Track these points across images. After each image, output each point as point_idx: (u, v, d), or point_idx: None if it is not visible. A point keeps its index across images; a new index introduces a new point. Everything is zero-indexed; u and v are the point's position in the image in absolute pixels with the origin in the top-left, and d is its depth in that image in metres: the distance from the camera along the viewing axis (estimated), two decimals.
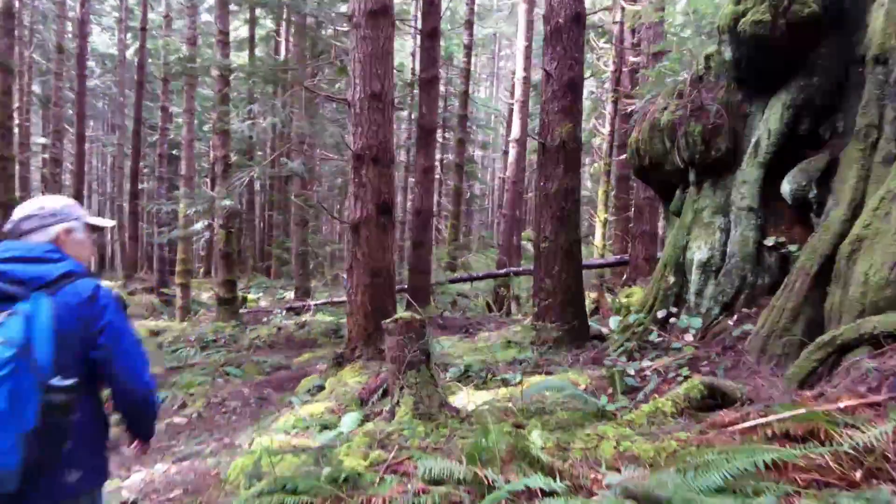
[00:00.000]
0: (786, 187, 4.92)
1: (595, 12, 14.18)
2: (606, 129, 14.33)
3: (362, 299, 7.11)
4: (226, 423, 6.34)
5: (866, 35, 4.57)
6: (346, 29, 12.10)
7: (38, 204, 2.02)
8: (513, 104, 14.95)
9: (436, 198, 16.52)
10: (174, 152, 22.89)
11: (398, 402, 4.36)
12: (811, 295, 4.28)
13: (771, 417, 3.01)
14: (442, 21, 12.15)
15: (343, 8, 13.10)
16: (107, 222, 2.26)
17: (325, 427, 4.81)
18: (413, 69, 16.52)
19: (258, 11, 19.06)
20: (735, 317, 5.01)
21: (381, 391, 5.39)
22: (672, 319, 5.45)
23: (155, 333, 12.12)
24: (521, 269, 13.61)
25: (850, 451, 2.50)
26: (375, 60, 7.15)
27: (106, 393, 1.99)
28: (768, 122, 5.05)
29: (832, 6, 4.61)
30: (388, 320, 4.53)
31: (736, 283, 5.09)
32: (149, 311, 16.44)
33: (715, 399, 3.88)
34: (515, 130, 14.10)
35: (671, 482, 2.38)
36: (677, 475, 2.47)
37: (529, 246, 18.83)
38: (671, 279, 5.61)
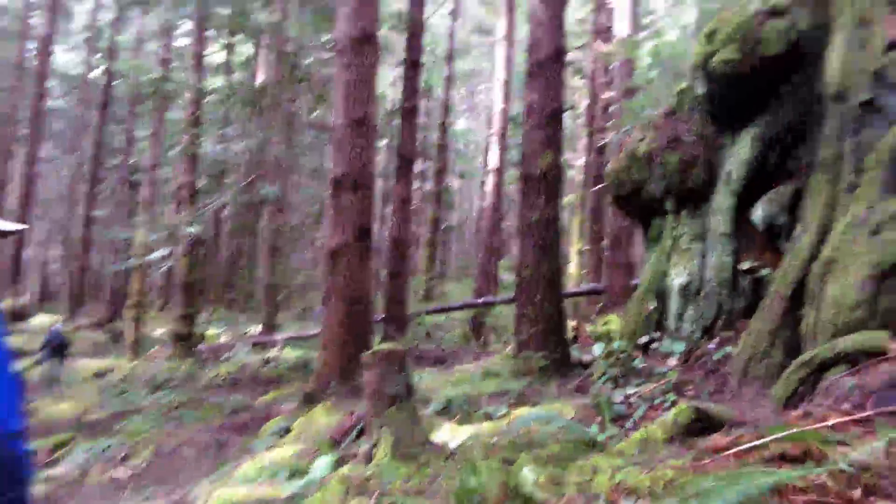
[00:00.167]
0: (757, 215, 5.11)
1: (570, 51, 14.61)
2: (581, 162, 14.66)
3: (338, 329, 6.97)
4: (178, 474, 5.73)
5: (825, 74, 4.83)
6: (327, 56, 12.25)
7: None
8: (491, 135, 15.24)
9: (413, 227, 16.55)
10: (135, 177, 22.23)
11: (377, 441, 4.12)
12: (787, 317, 4.41)
13: (765, 439, 3.05)
14: (424, 54, 12.39)
15: (325, 36, 13.27)
16: (15, 226, 1.93)
17: (294, 473, 4.48)
18: (393, 99, 16.74)
19: (236, 37, 19.10)
20: (715, 340, 5.12)
21: (356, 430, 5.03)
22: (654, 344, 5.53)
23: (100, 374, 11.46)
24: (498, 298, 13.65)
25: (847, 469, 2.55)
26: (359, 87, 7.24)
27: None
28: (739, 154, 5.26)
29: (794, 48, 4.87)
30: (366, 353, 4.39)
31: (714, 308, 5.22)
32: (95, 348, 15.52)
33: (703, 423, 3.91)
34: (493, 161, 14.33)
35: None
36: None
37: (507, 275, 18.93)
38: (652, 305, 5.71)
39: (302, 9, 13.49)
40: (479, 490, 2.87)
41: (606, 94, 13.43)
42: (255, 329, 15.60)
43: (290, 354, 11.58)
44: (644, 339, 5.57)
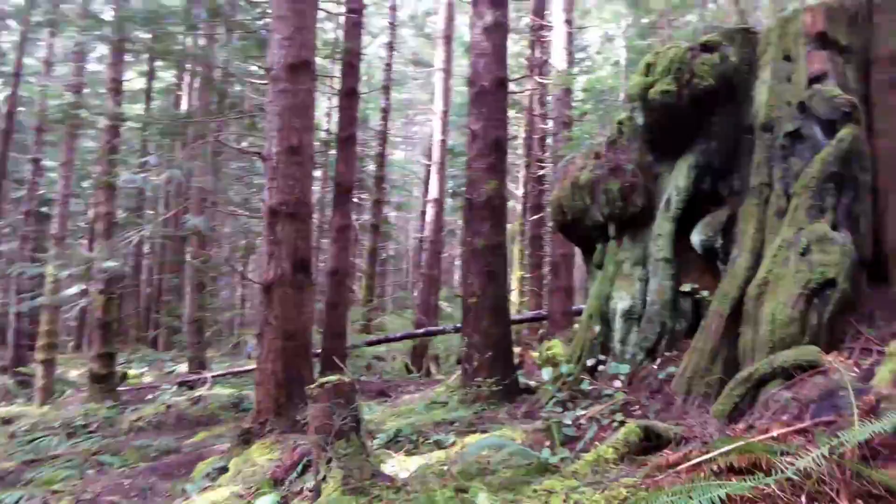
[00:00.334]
0: (695, 239, 5.35)
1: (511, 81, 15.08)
2: (520, 192, 15.01)
3: (274, 366, 6.70)
4: None
5: (753, 106, 5.18)
6: (258, 82, 12.05)
7: None
8: (430, 166, 15.37)
9: (351, 258, 16.34)
10: (44, 210, 20.86)
11: (325, 476, 3.99)
12: (726, 336, 4.60)
13: (713, 453, 3.12)
14: (360, 84, 12.43)
15: (255, 63, 13.07)
16: None
17: None
18: (328, 129, 16.65)
19: (157, 62, 18.53)
20: (658, 361, 5.26)
21: (300, 467, 4.85)
22: (601, 367, 5.62)
23: (6, 420, 10.50)
24: (439, 328, 13.60)
25: (793, 478, 2.64)
26: (294, 114, 7.10)
27: None
28: (677, 181, 5.52)
29: (725, 81, 5.20)
30: (313, 385, 4.25)
31: (657, 329, 5.37)
32: (0, 394, 14.37)
33: (651, 441, 3.99)
34: (433, 191, 14.43)
35: None
36: None
37: (446, 306, 18.92)
38: (597, 328, 5.82)
39: (229, 34, 13.28)
40: None
41: (543, 126, 13.90)
42: (182, 368, 14.80)
43: (221, 392, 10.99)
44: (591, 363, 5.66)
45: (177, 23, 10.93)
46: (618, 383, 5.32)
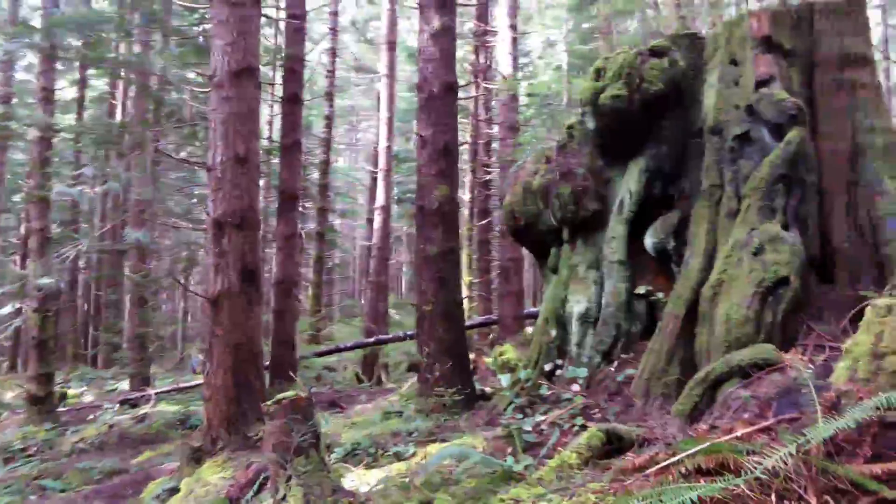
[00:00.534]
0: (648, 241, 5.41)
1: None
2: (467, 197, 15.02)
3: (224, 380, 6.43)
4: None
5: (702, 110, 5.30)
6: (198, 90, 11.60)
7: None
8: (376, 173, 15.17)
9: (297, 267, 15.92)
10: None
11: (284, 495, 3.86)
12: (682, 337, 4.66)
13: (681, 455, 3.10)
14: (303, 91, 12.14)
15: (194, 70, 12.59)
16: None
17: None
18: (269, 137, 16.19)
19: (90, 71, 17.65)
20: (615, 363, 5.28)
21: (256, 485, 4.70)
22: (558, 371, 5.60)
23: None
24: (390, 336, 13.40)
25: (761, 477, 2.65)
26: (240, 121, 6.85)
27: None
28: (629, 185, 5.58)
29: (674, 85, 5.30)
30: (269, 402, 4.11)
31: (613, 332, 5.40)
32: None
33: (614, 444, 3.97)
34: (380, 198, 14.24)
35: None
36: None
37: (394, 313, 18.72)
38: (553, 333, 5.81)
39: (166, 41, 12.76)
40: None
41: (488, 131, 13.96)
42: (123, 385, 14.12)
43: (167, 409, 10.54)
44: (548, 367, 5.63)
45: (110, 29, 10.38)
46: (576, 387, 5.31)
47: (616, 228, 5.54)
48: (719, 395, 3.99)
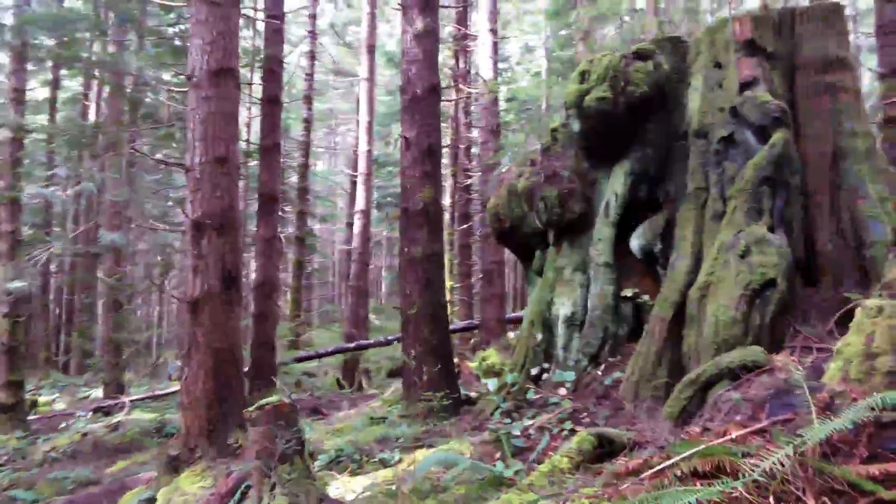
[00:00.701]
0: (634, 243, 5.41)
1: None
2: (447, 202, 14.97)
3: (204, 386, 6.26)
4: None
5: (685, 113, 5.33)
6: (175, 90, 11.38)
7: None
8: (356, 177, 15.04)
9: (277, 271, 15.70)
10: None
11: None
12: (670, 339, 4.65)
13: (675, 459, 3.07)
14: (282, 93, 11.98)
15: (170, 70, 12.35)
16: None
17: None
18: (248, 139, 15.96)
19: (63, 71, 17.24)
20: (603, 366, 5.26)
21: (237, 495, 4.59)
22: (545, 375, 5.56)
23: None
24: (371, 341, 13.25)
25: (759, 479, 2.62)
26: (219, 121, 6.71)
27: None
28: (614, 187, 5.58)
29: (658, 88, 5.32)
30: (251, 408, 4.01)
31: (600, 335, 5.38)
32: None
33: (604, 447, 3.94)
34: (360, 202, 14.12)
35: None
36: None
37: (374, 318, 18.56)
38: (539, 336, 5.77)
39: (141, 41, 12.51)
40: None
41: (468, 135, 13.94)
42: (97, 393, 13.75)
43: (142, 417, 10.27)
44: (535, 371, 5.59)
45: (84, 28, 10.11)
46: (563, 391, 5.28)
47: (602, 231, 5.53)
48: (709, 398, 3.98)
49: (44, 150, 15.76)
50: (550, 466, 3.82)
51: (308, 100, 16.78)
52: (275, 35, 11.34)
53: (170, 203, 16.48)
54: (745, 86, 4.70)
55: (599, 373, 5.22)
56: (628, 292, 5.33)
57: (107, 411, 11.40)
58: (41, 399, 13.88)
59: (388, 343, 12.53)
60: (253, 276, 13.27)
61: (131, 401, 11.76)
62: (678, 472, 3.00)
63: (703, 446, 3.06)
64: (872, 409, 2.66)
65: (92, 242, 13.80)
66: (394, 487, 4.42)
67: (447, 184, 15.56)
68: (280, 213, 15.02)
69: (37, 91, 20.16)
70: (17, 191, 10.88)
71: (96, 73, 13.56)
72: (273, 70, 11.32)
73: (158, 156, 14.17)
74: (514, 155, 8.74)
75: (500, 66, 16.55)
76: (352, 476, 4.99)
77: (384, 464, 5.12)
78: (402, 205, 6.91)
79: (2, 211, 11.07)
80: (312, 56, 17.07)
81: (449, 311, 15.27)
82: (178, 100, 11.98)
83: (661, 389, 4.49)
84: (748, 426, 3.22)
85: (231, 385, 6.36)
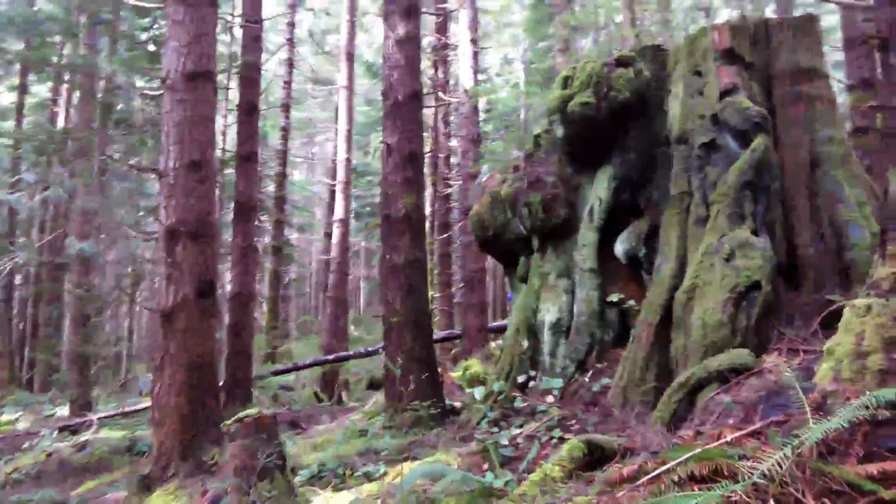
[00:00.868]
0: (619, 248, 5.41)
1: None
2: (427, 210, 14.90)
3: (177, 401, 6.05)
4: None
5: (666, 120, 5.36)
6: (151, 92, 11.15)
7: None
8: (334, 186, 14.90)
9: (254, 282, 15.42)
10: None
11: None
12: (657, 343, 4.64)
13: (672, 464, 3.03)
14: (259, 100, 11.84)
15: (144, 76, 12.11)
16: None
17: None
18: (223, 147, 15.72)
19: (30, 76, 16.83)
20: (590, 373, 5.23)
21: None
22: (532, 383, 5.51)
23: None
24: (351, 353, 13.06)
25: (758, 482, 2.59)
26: (195, 126, 6.57)
27: None
28: (598, 192, 5.58)
29: (639, 95, 5.35)
30: (229, 421, 3.88)
31: (586, 341, 5.35)
32: None
33: (595, 454, 3.88)
34: (339, 211, 13.97)
35: None
36: None
37: (353, 329, 18.34)
38: (525, 343, 5.72)
39: (114, 45, 12.25)
40: None
41: (448, 144, 13.93)
42: (63, 410, 13.25)
43: (111, 435, 9.90)
44: (521, 379, 5.53)
45: (55, 31, 9.84)
46: (551, 398, 5.22)
47: (587, 236, 5.53)
48: (699, 401, 3.96)
49: (10, 156, 15.32)
50: (542, 475, 3.75)
51: (286, 108, 16.64)
52: (253, 42, 11.22)
53: (141, 213, 16.13)
54: (726, 93, 4.76)
55: (587, 379, 5.18)
56: (614, 297, 5.32)
57: (73, 429, 11.01)
58: (3, 418, 13.32)
59: (368, 354, 12.37)
60: (228, 286, 13.00)
61: (99, 418, 11.37)
62: (675, 478, 2.95)
63: (699, 450, 3.02)
64: (867, 407, 2.65)
65: (59, 252, 13.38)
66: (379, 502, 4.31)
67: (427, 193, 15.52)
68: (257, 223, 14.81)
69: (2, 96, 19.67)
70: None
71: (66, 77, 13.24)
72: (251, 77, 11.19)
73: (131, 162, 13.85)
74: (493, 163, 8.74)
75: (480, 77, 16.66)
76: (335, 491, 4.85)
77: (368, 477, 4.98)
78: (384, 211, 6.83)
79: None
80: (290, 64, 16.95)
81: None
82: (151, 105, 11.75)
83: (650, 394, 4.46)
84: (742, 429, 3.20)
85: (206, 399, 6.17)
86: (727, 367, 3.89)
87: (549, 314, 5.62)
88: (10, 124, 17.68)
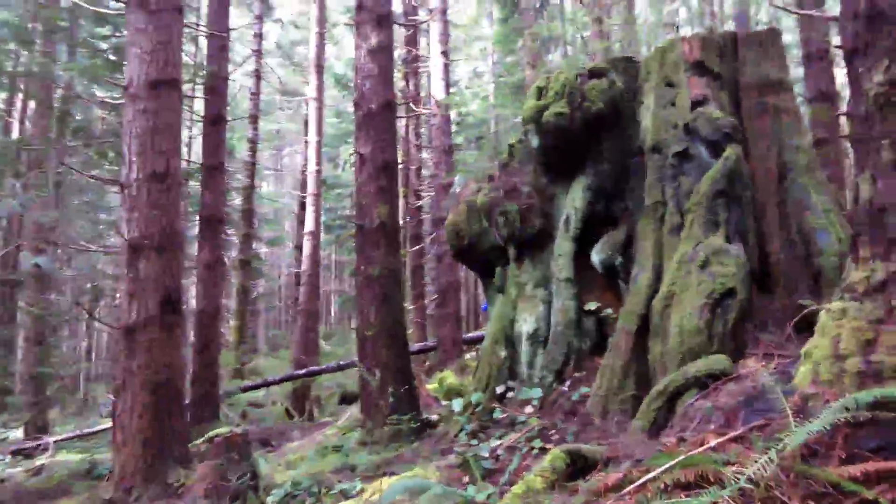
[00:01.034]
0: (595, 258, 5.43)
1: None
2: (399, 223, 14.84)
3: (141, 422, 5.84)
4: None
5: (639, 130, 5.44)
6: (112, 101, 10.84)
7: None
8: (304, 197, 14.71)
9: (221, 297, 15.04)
10: None
11: None
12: (635, 351, 4.65)
13: (657, 471, 3.01)
14: (226, 111, 11.62)
15: (103, 85, 11.77)
16: None
17: None
18: (188, 159, 15.39)
19: None
20: (568, 382, 5.21)
21: None
22: (510, 394, 5.46)
23: None
24: (323, 367, 12.83)
25: (744, 486, 2.59)
26: (159, 136, 6.43)
27: None
28: (573, 202, 5.61)
29: (613, 105, 5.42)
30: (200, 440, 3.74)
31: (564, 350, 5.34)
32: None
33: (578, 464, 3.85)
34: (309, 223, 13.79)
35: None
36: None
37: (325, 344, 18.05)
38: (502, 353, 5.68)
39: (72, 53, 11.90)
40: None
41: (419, 156, 13.92)
42: (16, 433, 12.67)
43: (68, 459, 9.49)
44: (500, 390, 5.48)
45: (9, 38, 9.49)
46: (530, 409, 5.18)
47: (563, 246, 5.54)
48: (678, 408, 3.97)
49: None
50: (524, 487, 3.70)
51: (254, 119, 16.41)
52: (220, 51, 11.05)
53: (101, 226, 15.63)
54: (697, 104, 4.85)
55: (566, 388, 5.16)
56: (591, 306, 5.33)
57: (28, 454, 10.59)
58: None
59: (340, 368, 12.17)
60: (194, 302, 12.66)
61: (56, 441, 10.94)
62: (661, 485, 2.94)
63: (683, 457, 3.02)
64: (847, 409, 2.69)
65: (12, 268, 12.87)
66: None
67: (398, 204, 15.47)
68: (224, 236, 14.50)
69: None
70: None
71: (21, 86, 12.80)
72: (217, 87, 11.00)
73: (91, 173, 13.40)
74: (466, 174, 8.74)
75: (450, 89, 16.74)
76: None
77: (345, 495, 4.85)
78: (358, 222, 6.75)
79: None
80: (258, 75, 16.75)
81: None
82: (112, 114, 11.42)
83: (629, 402, 4.46)
84: (724, 434, 3.21)
85: (170, 419, 5.95)
86: (705, 373, 3.92)
87: (526, 324, 5.60)
88: None
